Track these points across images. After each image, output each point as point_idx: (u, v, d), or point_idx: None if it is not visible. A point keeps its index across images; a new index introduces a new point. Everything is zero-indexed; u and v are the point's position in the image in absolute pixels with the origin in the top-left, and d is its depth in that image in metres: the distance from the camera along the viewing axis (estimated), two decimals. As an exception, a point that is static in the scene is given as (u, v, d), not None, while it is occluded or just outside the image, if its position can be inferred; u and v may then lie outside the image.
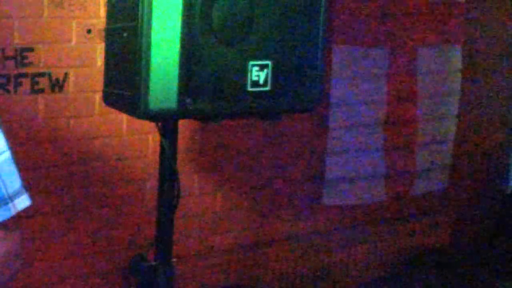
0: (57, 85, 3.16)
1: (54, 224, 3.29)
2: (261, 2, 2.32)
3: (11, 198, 1.55)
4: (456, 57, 4.38)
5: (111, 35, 2.47)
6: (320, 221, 4.22)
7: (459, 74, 4.44)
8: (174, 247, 2.71)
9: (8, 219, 1.55)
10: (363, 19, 3.95)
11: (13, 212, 1.55)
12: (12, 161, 1.57)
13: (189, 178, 3.62)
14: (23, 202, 1.58)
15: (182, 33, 2.20)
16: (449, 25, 4.29)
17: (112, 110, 2.61)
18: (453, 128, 4.50)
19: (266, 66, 2.35)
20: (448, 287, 4.26)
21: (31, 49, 3.07)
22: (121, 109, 2.48)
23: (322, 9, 2.42)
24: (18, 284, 3.18)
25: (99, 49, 3.17)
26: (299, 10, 2.39)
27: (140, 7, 2.18)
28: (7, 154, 1.56)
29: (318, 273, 4.21)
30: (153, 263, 2.62)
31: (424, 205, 4.66)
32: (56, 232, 3.30)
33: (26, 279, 3.23)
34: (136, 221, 3.51)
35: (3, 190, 1.54)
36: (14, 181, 1.57)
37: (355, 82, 4.01)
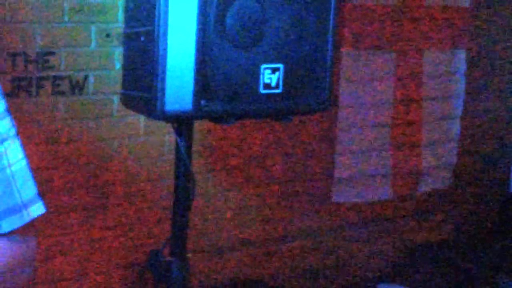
0: (77, 88, 3.19)
1: (74, 222, 3.32)
2: (273, 7, 2.31)
3: (26, 205, 1.52)
4: (461, 61, 4.40)
5: (129, 39, 2.46)
6: (329, 218, 4.24)
7: (464, 77, 4.47)
8: (189, 243, 2.73)
9: (23, 227, 1.51)
10: (372, 23, 3.98)
11: (27, 219, 1.51)
12: (28, 169, 1.54)
13: (203, 177, 3.64)
14: (37, 209, 1.54)
15: (197, 37, 2.20)
16: (454, 30, 4.31)
17: (130, 111, 2.63)
18: (458, 129, 4.53)
19: (277, 69, 2.34)
20: (449, 284, 4.26)
21: (53, 53, 3.11)
22: (138, 110, 2.48)
23: (332, 14, 2.41)
24: (39, 279, 3.23)
25: (118, 52, 3.20)
26: (309, 15, 2.38)
27: (156, 13, 2.18)
28: (23, 163, 1.53)
29: (326, 269, 4.22)
30: (169, 258, 2.60)
31: (427, 203, 4.66)
32: (75, 229, 3.33)
33: (46, 274, 3.27)
34: (152, 219, 3.53)
35: (18, 198, 1.51)
36: (29, 189, 1.53)
37: (363, 84, 4.04)
